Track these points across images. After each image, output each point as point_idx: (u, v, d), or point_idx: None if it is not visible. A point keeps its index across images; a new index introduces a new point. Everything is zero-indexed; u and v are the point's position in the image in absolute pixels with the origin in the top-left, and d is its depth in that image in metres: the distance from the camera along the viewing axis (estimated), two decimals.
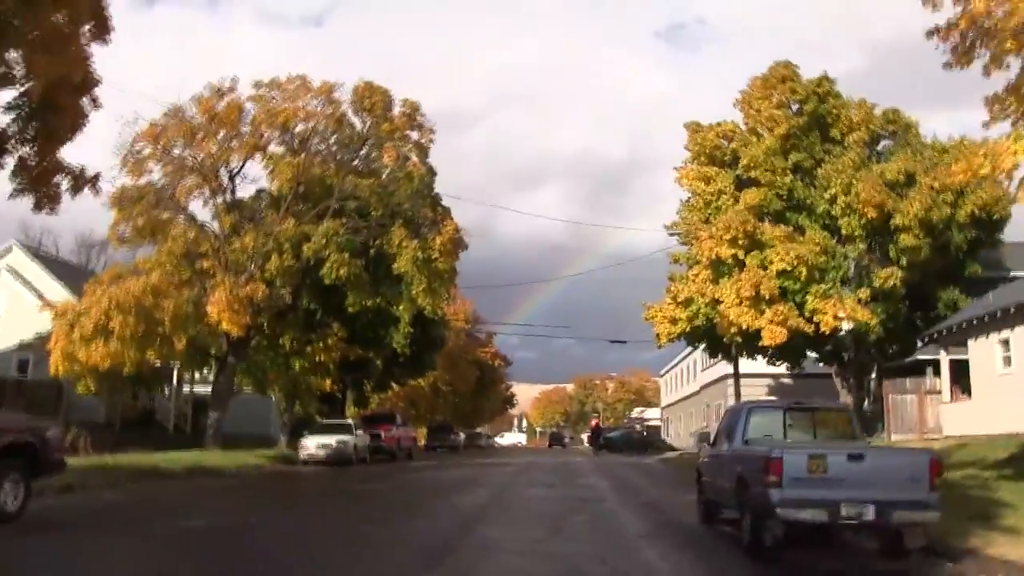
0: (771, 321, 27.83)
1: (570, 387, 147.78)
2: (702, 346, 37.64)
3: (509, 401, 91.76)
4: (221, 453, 26.78)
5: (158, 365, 35.63)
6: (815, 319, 28.29)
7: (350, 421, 32.18)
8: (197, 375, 38.62)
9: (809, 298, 28.49)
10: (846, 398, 31.98)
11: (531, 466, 31.09)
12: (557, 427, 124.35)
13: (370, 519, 13.14)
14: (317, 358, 34.37)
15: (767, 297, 27.93)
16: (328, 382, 36.19)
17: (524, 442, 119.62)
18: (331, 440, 28.54)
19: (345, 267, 29.25)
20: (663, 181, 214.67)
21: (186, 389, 40.72)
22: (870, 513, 8.67)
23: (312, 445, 28.45)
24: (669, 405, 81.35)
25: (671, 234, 34.29)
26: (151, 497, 16.24)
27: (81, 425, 31.47)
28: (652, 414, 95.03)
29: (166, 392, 40.23)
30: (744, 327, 28.28)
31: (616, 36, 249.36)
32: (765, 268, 28.63)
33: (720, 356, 37.26)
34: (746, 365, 43.22)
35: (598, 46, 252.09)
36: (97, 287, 26.16)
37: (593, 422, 58.09)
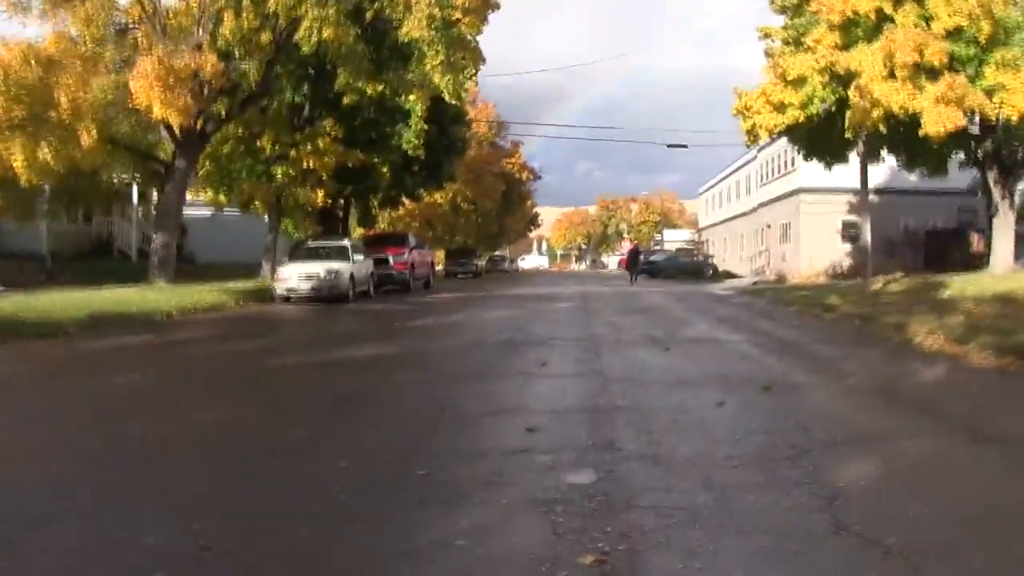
0: (939, 100, 19.37)
1: (592, 209, 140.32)
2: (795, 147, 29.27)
3: (534, 221, 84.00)
4: (167, 289, 19.44)
5: (115, 179, 28.84)
6: (994, 100, 20.00)
7: (346, 243, 24.22)
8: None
9: (987, 69, 20.04)
10: (1008, 218, 24.19)
11: (588, 299, 23.67)
12: (632, 242, 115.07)
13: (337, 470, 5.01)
14: (306, 164, 26.75)
15: (933, 66, 19.45)
16: (321, 195, 28.77)
17: (546, 265, 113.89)
18: (318, 269, 20.68)
19: (329, 28, 20.29)
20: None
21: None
22: None
23: (292, 276, 20.65)
24: (710, 226, 73.91)
25: None
26: None
27: (8, 257, 24.86)
28: (677, 236, 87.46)
29: (127, 214, 33.16)
30: (896, 109, 19.87)
31: None
32: (924, 27, 20.03)
33: (824, 159, 28.15)
34: (811, 177, 35.65)
35: None
36: None
37: (630, 243, 50.47)
